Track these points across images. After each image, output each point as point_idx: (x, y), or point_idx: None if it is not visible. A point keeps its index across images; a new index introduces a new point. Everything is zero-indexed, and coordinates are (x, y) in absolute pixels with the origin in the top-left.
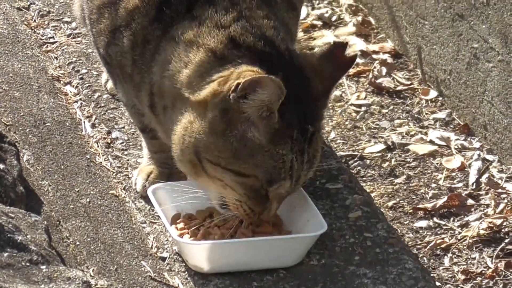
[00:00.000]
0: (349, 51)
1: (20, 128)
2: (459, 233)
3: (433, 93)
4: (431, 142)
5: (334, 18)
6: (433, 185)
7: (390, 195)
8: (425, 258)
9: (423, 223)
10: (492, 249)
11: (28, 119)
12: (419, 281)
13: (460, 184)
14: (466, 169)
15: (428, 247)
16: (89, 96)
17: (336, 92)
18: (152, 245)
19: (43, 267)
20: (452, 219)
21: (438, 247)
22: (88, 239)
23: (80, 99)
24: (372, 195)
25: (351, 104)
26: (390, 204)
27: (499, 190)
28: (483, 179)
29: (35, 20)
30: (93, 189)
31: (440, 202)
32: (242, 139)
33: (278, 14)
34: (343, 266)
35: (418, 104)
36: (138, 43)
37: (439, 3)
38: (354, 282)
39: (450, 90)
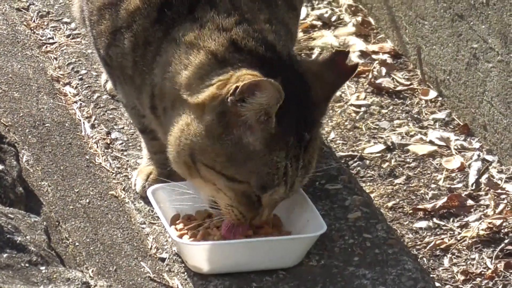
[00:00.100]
0: (348, 51)
1: (20, 129)
2: (459, 233)
3: (432, 94)
4: (431, 142)
5: (333, 18)
6: (433, 185)
7: (389, 196)
8: (424, 259)
9: (422, 224)
10: (492, 249)
11: (27, 120)
12: (418, 281)
13: (459, 185)
14: (465, 170)
15: (427, 247)
16: (89, 97)
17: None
18: (151, 246)
19: (43, 268)
20: (451, 219)
21: (438, 247)
22: (88, 240)
23: (80, 99)
24: (372, 195)
25: (351, 105)
26: (389, 204)
27: (499, 191)
28: (483, 179)
29: (34, 21)
30: (93, 189)
31: (439, 202)
32: (237, 143)
33: (278, 16)
34: (342, 267)
35: (417, 105)
36: (139, 44)
37: (438, 3)
38: (354, 282)
39: (449, 90)
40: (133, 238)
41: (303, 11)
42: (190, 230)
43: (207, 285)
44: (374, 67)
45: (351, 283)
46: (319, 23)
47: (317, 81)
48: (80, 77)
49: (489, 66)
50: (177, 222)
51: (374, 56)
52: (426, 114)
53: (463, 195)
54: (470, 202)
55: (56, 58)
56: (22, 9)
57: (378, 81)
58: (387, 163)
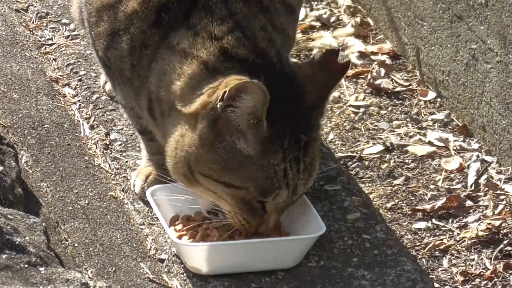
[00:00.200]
0: (348, 52)
1: (19, 130)
2: (458, 234)
3: (431, 94)
4: (430, 143)
5: (332, 19)
6: (432, 186)
7: (388, 197)
8: (423, 260)
9: (421, 225)
10: (491, 250)
11: (26, 121)
12: (417, 282)
13: (458, 185)
14: (464, 170)
15: (426, 248)
16: (88, 98)
17: (335, 94)
18: (150, 247)
19: (42, 268)
20: (450, 220)
21: (437, 248)
22: (87, 241)
23: (79, 100)
24: (371, 196)
25: (350, 105)
26: (388, 205)
27: (498, 192)
28: (482, 180)
29: (33, 22)
30: (92, 190)
31: (438, 203)
32: (231, 150)
33: (275, 21)
34: (341, 267)
35: (416, 105)
36: (136, 47)
37: (437, 4)
38: (353, 283)
39: (448, 91)
40: (132, 239)
41: (302, 12)
42: (189, 231)
43: (206, 286)
44: (373, 68)
45: (350, 284)
46: (318, 24)
47: (310, 83)
48: (79, 78)
49: (488, 67)
50: (176, 223)
51: (373, 57)
52: (425, 115)
53: (462, 196)
54: (469, 203)
55: (55, 59)
56: (21, 10)
57: (377, 82)
58: (386, 164)
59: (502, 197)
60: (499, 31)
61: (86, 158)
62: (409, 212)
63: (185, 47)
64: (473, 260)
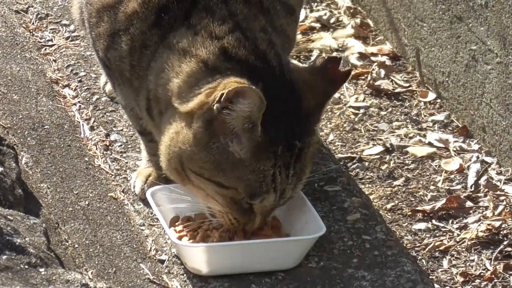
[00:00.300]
0: (348, 53)
1: (19, 131)
2: (458, 235)
3: (431, 95)
4: (430, 144)
5: (332, 20)
6: (432, 187)
7: (388, 198)
8: (423, 261)
9: (421, 225)
10: (491, 251)
11: (26, 122)
12: (417, 283)
13: (458, 186)
14: (464, 171)
15: (426, 249)
16: (88, 99)
17: (335, 95)
18: (150, 248)
19: (42, 269)
20: (450, 221)
21: (437, 249)
22: (87, 242)
23: (79, 101)
24: (371, 197)
25: (350, 106)
26: (388, 206)
27: (498, 192)
28: (482, 181)
29: (33, 23)
30: (92, 191)
31: (438, 204)
32: (224, 151)
33: (275, 22)
34: (341, 268)
35: (416, 106)
36: (136, 48)
37: (437, 5)
38: (353, 284)
39: (448, 92)
40: (132, 240)
41: (302, 13)
42: (189, 232)
43: (207, 287)
44: (373, 69)
45: (350, 285)
46: (318, 25)
47: (309, 89)
48: (79, 79)
49: (488, 68)
50: (176, 224)
51: (373, 58)
52: (425, 116)
53: (462, 196)
54: (469, 203)
55: (55, 60)
56: (21, 12)
57: (377, 83)
58: (386, 165)
59: (502, 198)
60: (499, 32)
61: (86, 159)
62: (409, 213)
63: (185, 46)
64: (473, 261)
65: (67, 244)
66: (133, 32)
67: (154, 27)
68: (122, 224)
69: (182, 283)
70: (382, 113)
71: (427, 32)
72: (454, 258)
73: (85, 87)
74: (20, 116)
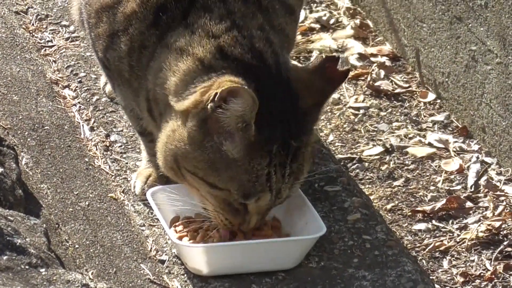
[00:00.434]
0: (347, 54)
1: (19, 132)
2: (458, 235)
3: (431, 96)
4: (430, 144)
5: (332, 21)
6: (432, 187)
7: (388, 198)
8: (423, 261)
9: (421, 226)
10: (491, 251)
11: (26, 123)
12: (418, 283)
13: (458, 187)
14: (464, 172)
15: (426, 249)
16: (88, 100)
17: (335, 95)
18: (151, 248)
19: (42, 270)
20: (450, 221)
21: (437, 249)
22: (87, 242)
23: (79, 102)
24: (371, 198)
25: (350, 107)
26: (388, 206)
27: (498, 193)
28: (482, 181)
29: (33, 24)
30: (92, 192)
31: (438, 204)
32: (218, 151)
33: (274, 21)
34: (342, 268)
35: (416, 107)
36: (135, 48)
37: (437, 5)
38: (353, 284)
39: (448, 92)
40: (132, 240)
41: (302, 13)
42: (190, 232)
43: (207, 287)
44: (373, 70)
45: (351, 285)
46: (317, 26)
47: (306, 88)
48: (79, 80)
49: (487, 68)
50: (177, 224)
51: (372, 59)
52: (424, 116)
53: (462, 197)
54: (469, 204)
55: (55, 61)
56: (21, 12)
57: (376, 84)
58: (386, 166)
59: (502, 198)
60: (498, 32)
61: (86, 159)
62: (409, 213)
63: (182, 44)
64: (473, 261)
65: (68, 244)
66: (132, 33)
67: (153, 27)
68: (122, 224)
69: (183, 283)
70: (382, 113)
71: (427, 33)
72: (454, 258)
73: (85, 88)
74: (20, 117)
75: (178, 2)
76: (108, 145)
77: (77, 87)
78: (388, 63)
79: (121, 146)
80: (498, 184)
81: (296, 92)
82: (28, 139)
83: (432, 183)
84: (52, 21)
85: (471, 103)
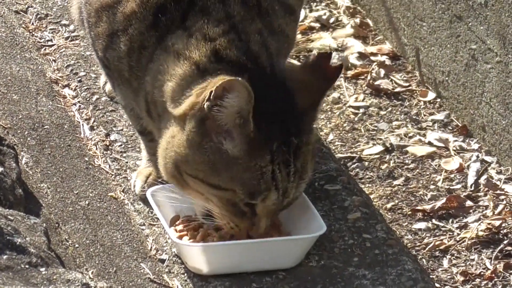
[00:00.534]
0: (347, 53)
1: (19, 131)
2: (458, 234)
3: (431, 95)
4: (430, 143)
5: (332, 20)
6: (432, 186)
7: (388, 197)
8: (424, 260)
9: (421, 225)
10: (491, 250)
11: (26, 122)
12: (418, 282)
13: (458, 186)
14: (464, 171)
15: (427, 248)
16: (88, 99)
17: (334, 94)
18: (151, 247)
19: (43, 269)
20: (450, 220)
21: (437, 248)
22: (87, 241)
23: (79, 101)
24: (371, 197)
25: (349, 106)
26: (388, 206)
27: (498, 192)
28: (482, 180)
29: (33, 23)
30: (92, 191)
31: (438, 203)
32: (217, 151)
33: (274, 23)
34: (342, 267)
35: (416, 106)
36: (134, 49)
37: (437, 4)
38: (353, 283)
39: (448, 91)
40: (132, 240)
41: (301, 12)
42: (190, 231)
43: (207, 286)
44: (373, 69)
45: (351, 284)
46: (317, 25)
47: (302, 87)
48: (79, 79)
49: (487, 67)
50: (177, 223)
51: (372, 58)
52: (424, 115)
53: (462, 196)
54: (469, 203)
55: (55, 60)
56: (20, 12)
57: (376, 83)
58: (386, 165)
59: (502, 197)
60: (498, 31)
61: (86, 159)
62: (409, 212)
63: (179, 48)
64: (473, 260)
65: (68, 243)
66: (132, 33)
67: (152, 28)
68: (122, 223)
69: (183, 283)
70: (382, 112)
71: (427, 32)
72: (454, 257)
73: (85, 87)
74: (20, 116)
75: (178, 4)
76: (108, 144)
77: (77, 86)
78: (388, 62)
79: (121, 145)
80: (498, 183)
81: (292, 92)
82: (28, 139)
83: (432, 182)
84: (52, 20)
85: (471, 102)
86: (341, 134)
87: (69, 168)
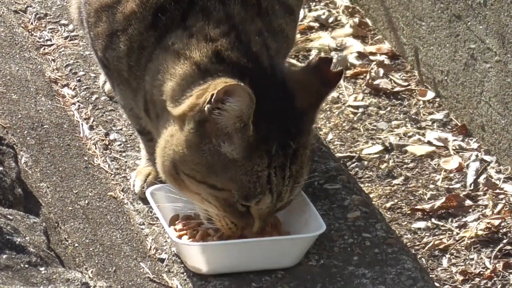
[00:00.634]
0: (346, 53)
1: (18, 130)
2: (457, 234)
3: (430, 94)
4: (429, 143)
5: (331, 20)
6: (431, 186)
7: (388, 196)
8: (423, 259)
9: (421, 224)
10: (490, 249)
11: (26, 122)
12: (418, 281)
13: (458, 185)
14: (464, 170)
15: (426, 248)
16: (87, 98)
17: (334, 94)
18: (150, 247)
19: (42, 268)
20: (450, 220)
21: (437, 248)
22: (87, 241)
23: (78, 101)
24: (370, 196)
25: (349, 106)
26: (388, 205)
27: (497, 191)
28: (481, 179)
29: (32, 23)
30: (92, 191)
31: (438, 203)
32: (216, 152)
33: (273, 23)
34: (342, 266)
35: (415, 105)
36: (134, 49)
37: (436, 4)
38: (353, 282)
39: (447, 91)
40: (132, 239)
41: (300, 12)
42: (189, 231)
43: (207, 285)
44: (372, 68)
45: (351, 283)
46: (316, 24)
47: (302, 89)
48: (78, 78)
49: (486, 67)
50: (176, 222)
51: (371, 57)
52: (424, 114)
53: (461, 195)
54: (468, 202)
55: (54, 60)
56: (19, 11)
57: (375, 82)
58: (385, 164)
59: (502, 196)
60: (497, 30)
61: (86, 158)
62: (409, 211)
63: (179, 48)
64: (472, 259)
65: (67, 243)
66: (131, 33)
67: (151, 28)
68: (122, 223)
69: (182, 282)
70: (381, 112)
71: (426, 31)
72: (453, 256)
73: (84, 87)
74: (19, 116)
75: (177, 4)
76: (107, 143)
77: (76, 85)
78: (387, 61)
79: (121, 144)
80: (497, 182)
81: (292, 94)
82: (28, 138)
83: (431, 182)
84: (51, 20)
85: (470, 101)
86: (340, 134)
87: (68, 167)
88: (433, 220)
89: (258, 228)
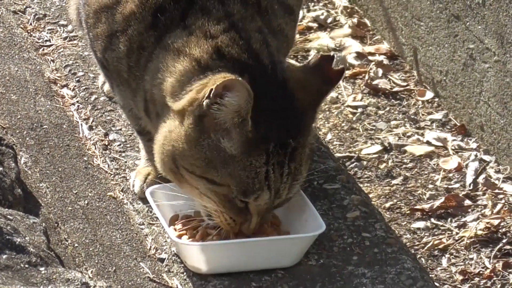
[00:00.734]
0: (345, 53)
1: (17, 131)
2: (457, 233)
3: (429, 94)
4: (428, 143)
5: (329, 20)
6: (430, 186)
7: (387, 196)
8: (423, 259)
9: (420, 224)
10: (490, 249)
11: (25, 122)
12: (417, 280)
13: (457, 185)
14: (463, 170)
15: (425, 248)
16: (86, 99)
17: (333, 94)
18: (150, 247)
19: (42, 268)
20: (449, 219)
21: (436, 247)
22: (87, 241)
23: (77, 101)
24: (370, 196)
25: (348, 106)
26: (387, 205)
27: (496, 191)
28: (480, 179)
29: (31, 24)
30: (91, 191)
31: (437, 203)
32: (215, 148)
33: (273, 23)
34: (341, 266)
35: (414, 105)
36: (133, 49)
37: (434, 4)
38: (353, 282)
39: (446, 91)
40: (132, 239)
41: (299, 13)
42: (189, 230)
43: (206, 285)
44: (371, 69)
45: (350, 282)
46: (315, 25)
47: (302, 88)
48: (77, 79)
49: (485, 67)
50: (176, 222)
51: (370, 58)
52: (423, 114)
53: (460, 195)
54: (467, 202)
55: (53, 61)
56: (18, 12)
57: (374, 82)
58: (384, 164)
59: (501, 196)
60: (496, 30)
61: (85, 158)
62: (408, 211)
63: (179, 45)
64: (472, 259)
65: (67, 243)
66: (131, 33)
67: (151, 28)
68: (121, 223)
69: (182, 282)
70: (380, 112)
71: (425, 31)
72: (453, 256)
73: (83, 87)
74: (19, 116)
75: (177, 3)
76: (107, 144)
77: (75, 86)
78: (386, 61)
79: (120, 145)
80: (496, 182)
81: (292, 92)
82: (27, 138)
83: (430, 182)
84: (50, 20)
85: (469, 101)
86: (339, 134)
87: (68, 167)
88: (432, 220)
89: (256, 224)
